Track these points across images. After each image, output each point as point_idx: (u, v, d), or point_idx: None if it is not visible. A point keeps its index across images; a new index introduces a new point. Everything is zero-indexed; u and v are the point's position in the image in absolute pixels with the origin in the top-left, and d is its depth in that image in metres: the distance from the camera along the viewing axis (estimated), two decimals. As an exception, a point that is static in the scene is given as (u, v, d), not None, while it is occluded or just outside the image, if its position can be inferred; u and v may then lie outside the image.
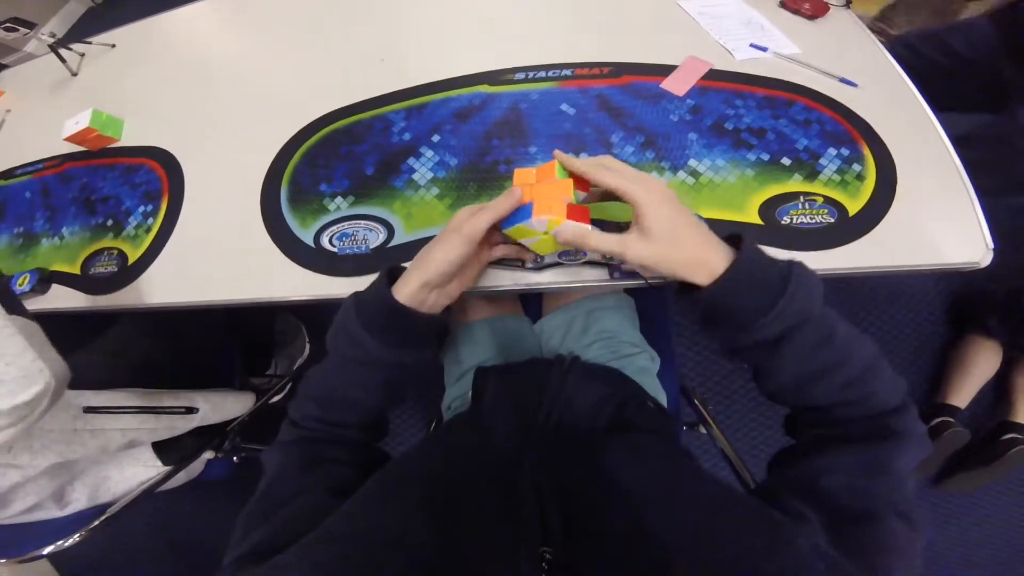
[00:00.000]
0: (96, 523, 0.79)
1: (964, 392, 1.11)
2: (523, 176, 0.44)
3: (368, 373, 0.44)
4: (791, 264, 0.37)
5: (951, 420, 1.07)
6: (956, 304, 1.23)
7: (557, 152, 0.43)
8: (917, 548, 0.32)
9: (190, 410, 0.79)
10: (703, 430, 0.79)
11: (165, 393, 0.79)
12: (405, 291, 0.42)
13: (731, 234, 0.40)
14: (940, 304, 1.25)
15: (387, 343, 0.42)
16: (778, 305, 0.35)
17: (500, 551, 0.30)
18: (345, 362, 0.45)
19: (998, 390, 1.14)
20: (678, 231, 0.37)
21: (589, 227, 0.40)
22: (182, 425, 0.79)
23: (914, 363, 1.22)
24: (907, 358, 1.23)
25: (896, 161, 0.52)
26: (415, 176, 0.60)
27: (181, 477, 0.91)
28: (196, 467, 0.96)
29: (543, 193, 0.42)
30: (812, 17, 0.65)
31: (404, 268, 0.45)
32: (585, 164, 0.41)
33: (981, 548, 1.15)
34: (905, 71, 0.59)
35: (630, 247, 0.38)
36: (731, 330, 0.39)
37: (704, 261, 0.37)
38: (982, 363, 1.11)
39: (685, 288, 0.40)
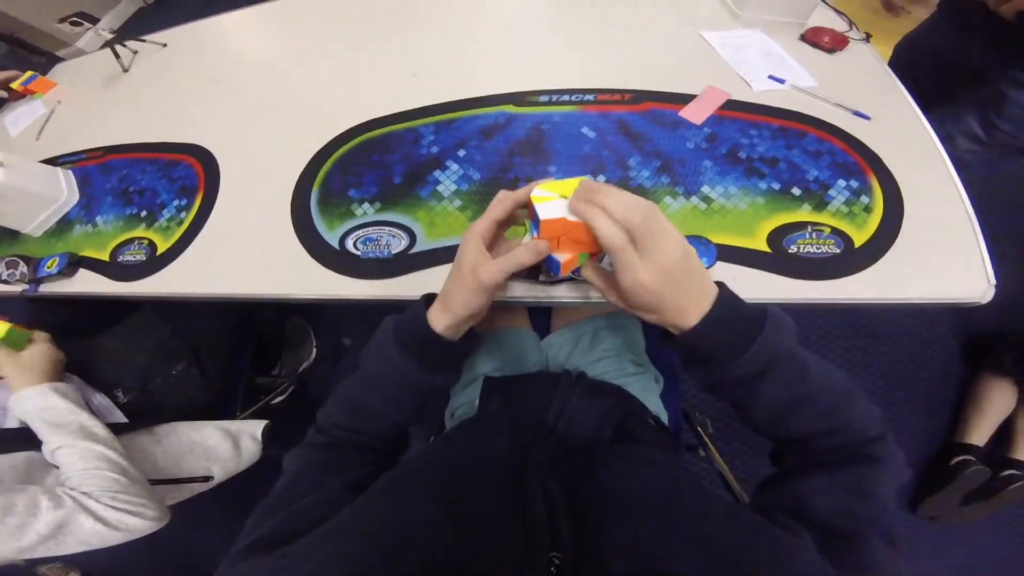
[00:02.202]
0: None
1: (982, 430, 1.11)
2: (552, 229, 0.39)
3: (401, 393, 0.46)
4: (765, 311, 0.38)
5: (971, 459, 1.07)
6: (971, 342, 1.23)
7: (576, 209, 0.37)
8: (899, 568, 0.33)
9: (207, 478, 0.84)
10: (702, 453, 0.79)
11: (182, 463, 0.84)
12: (440, 324, 0.44)
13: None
14: (955, 342, 1.24)
15: (423, 367, 0.44)
16: (748, 352, 0.36)
17: (509, 554, 0.30)
18: (379, 380, 0.47)
19: (999, 426, 1.13)
20: (657, 301, 0.37)
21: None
22: (199, 487, 0.85)
23: (930, 402, 1.21)
24: (923, 397, 1.21)
25: (903, 194, 0.53)
26: (440, 187, 0.63)
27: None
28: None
29: (568, 247, 0.41)
30: (831, 50, 0.67)
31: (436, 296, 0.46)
32: (599, 221, 0.36)
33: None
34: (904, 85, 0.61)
35: (610, 297, 0.41)
36: (705, 371, 0.40)
37: (676, 320, 0.37)
38: (998, 401, 1.10)
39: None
